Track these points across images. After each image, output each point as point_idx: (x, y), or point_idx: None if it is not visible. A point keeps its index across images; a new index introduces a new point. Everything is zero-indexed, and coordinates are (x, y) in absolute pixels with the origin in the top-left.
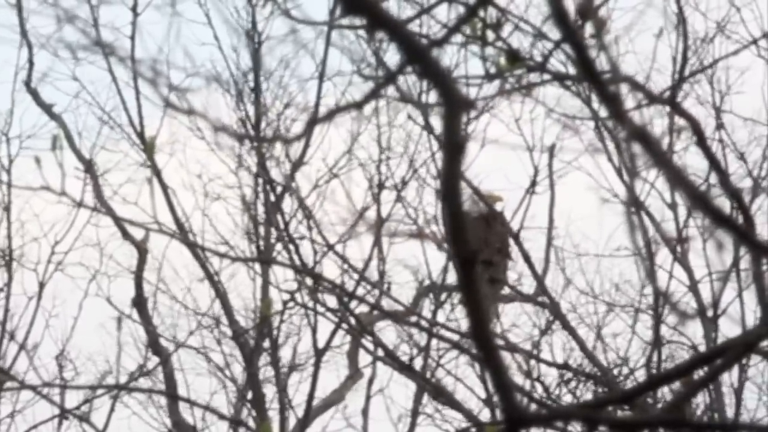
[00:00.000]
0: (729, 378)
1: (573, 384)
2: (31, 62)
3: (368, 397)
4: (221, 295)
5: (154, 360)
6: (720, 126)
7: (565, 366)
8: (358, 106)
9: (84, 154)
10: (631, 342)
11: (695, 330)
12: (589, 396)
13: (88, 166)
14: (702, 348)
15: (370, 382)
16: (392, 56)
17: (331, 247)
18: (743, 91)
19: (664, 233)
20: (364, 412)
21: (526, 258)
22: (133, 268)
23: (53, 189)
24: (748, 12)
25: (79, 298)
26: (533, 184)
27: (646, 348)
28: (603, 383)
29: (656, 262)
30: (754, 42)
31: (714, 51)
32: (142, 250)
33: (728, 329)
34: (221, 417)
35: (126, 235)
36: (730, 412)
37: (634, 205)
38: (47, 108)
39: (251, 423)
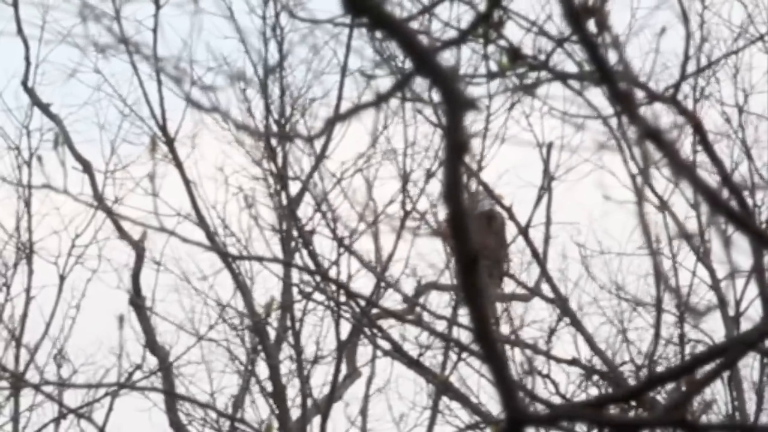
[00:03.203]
0: (750, 375)
1: (582, 381)
2: (27, 61)
3: (367, 397)
4: (242, 287)
5: (152, 360)
6: (741, 124)
7: (573, 362)
8: (376, 104)
9: (81, 154)
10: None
11: (717, 328)
12: (597, 392)
13: (86, 166)
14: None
15: (369, 381)
16: (392, 55)
17: (347, 248)
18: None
19: (686, 231)
20: (363, 412)
21: (535, 254)
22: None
23: (54, 187)
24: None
25: (101, 291)
26: (548, 182)
27: (667, 345)
28: (611, 380)
29: (677, 259)
30: (761, 38)
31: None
32: (139, 249)
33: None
34: (221, 415)
35: (123, 234)
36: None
37: (660, 204)
38: (44, 107)
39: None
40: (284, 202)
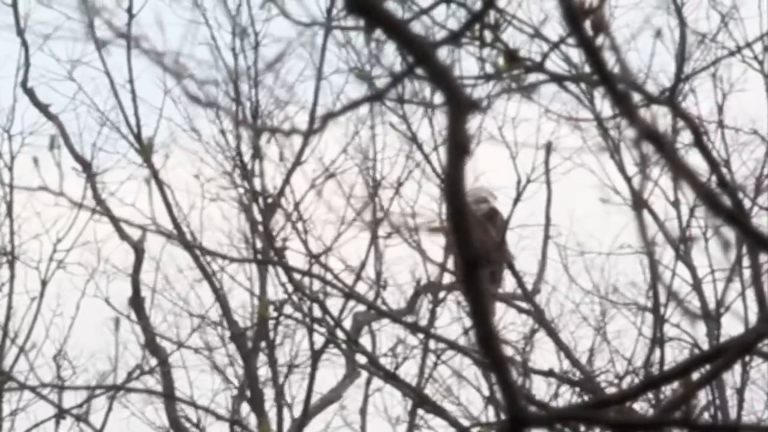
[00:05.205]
0: (732, 378)
1: (560, 390)
2: (27, 62)
3: (366, 396)
4: (220, 295)
5: (152, 360)
6: (721, 124)
7: (550, 373)
8: (376, 98)
9: (81, 155)
10: (636, 342)
11: (698, 328)
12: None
13: (86, 167)
14: (705, 346)
15: (368, 381)
16: (391, 56)
17: (316, 257)
18: (745, 89)
19: (667, 231)
20: (362, 412)
21: (510, 266)
22: (130, 269)
23: (51, 189)
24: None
25: (79, 298)
26: (547, 182)
27: (643, 348)
28: (588, 390)
29: (660, 260)
30: (748, 45)
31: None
32: (138, 250)
33: (732, 328)
34: (219, 417)
35: (123, 235)
36: (731, 412)
37: (639, 203)
38: (44, 108)
39: (251, 423)
40: (257, 210)
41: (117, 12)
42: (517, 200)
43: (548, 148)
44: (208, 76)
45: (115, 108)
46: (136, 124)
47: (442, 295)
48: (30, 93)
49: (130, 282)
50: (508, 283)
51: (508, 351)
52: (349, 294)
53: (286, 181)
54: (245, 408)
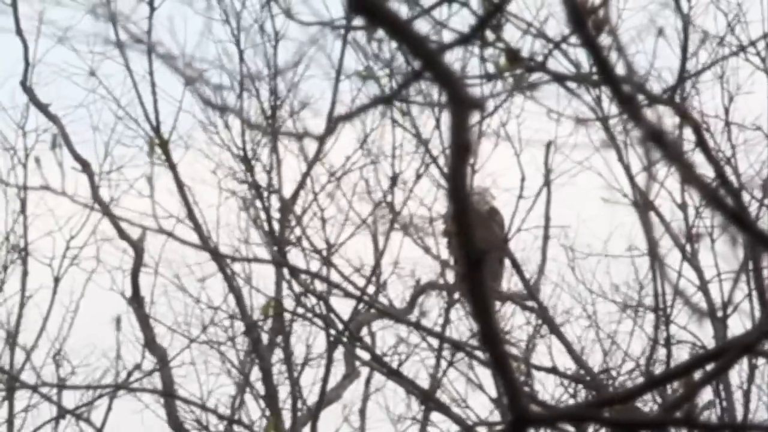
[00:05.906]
0: (738, 377)
1: (563, 388)
2: (26, 61)
3: (366, 397)
4: (235, 290)
5: (151, 359)
6: (727, 124)
7: (553, 370)
8: (387, 101)
9: (81, 155)
10: (631, 342)
11: (702, 330)
12: (577, 400)
13: (85, 166)
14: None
15: (368, 381)
16: (393, 57)
17: (323, 256)
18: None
19: (673, 233)
20: (362, 412)
21: (514, 263)
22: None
23: (53, 188)
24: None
25: (95, 294)
26: (547, 180)
27: (647, 347)
28: (591, 387)
29: (667, 261)
30: (752, 44)
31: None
32: (138, 248)
33: (739, 329)
34: (219, 417)
35: (123, 234)
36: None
37: (646, 204)
38: (43, 108)
39: (256, 421)
40: (264, 209)
41: (138, 7)
42: (520, 197)
43: (548, 147)
44: (222, 79)
45: (132, 103)
46: (155, 117)
47: (452, 296)
48: (30, 92)
49: (130, 280)
50: (511, 283)
51: (512, 350)
52: (356, 296)
53: (302, 181)
54: (252, 404)
